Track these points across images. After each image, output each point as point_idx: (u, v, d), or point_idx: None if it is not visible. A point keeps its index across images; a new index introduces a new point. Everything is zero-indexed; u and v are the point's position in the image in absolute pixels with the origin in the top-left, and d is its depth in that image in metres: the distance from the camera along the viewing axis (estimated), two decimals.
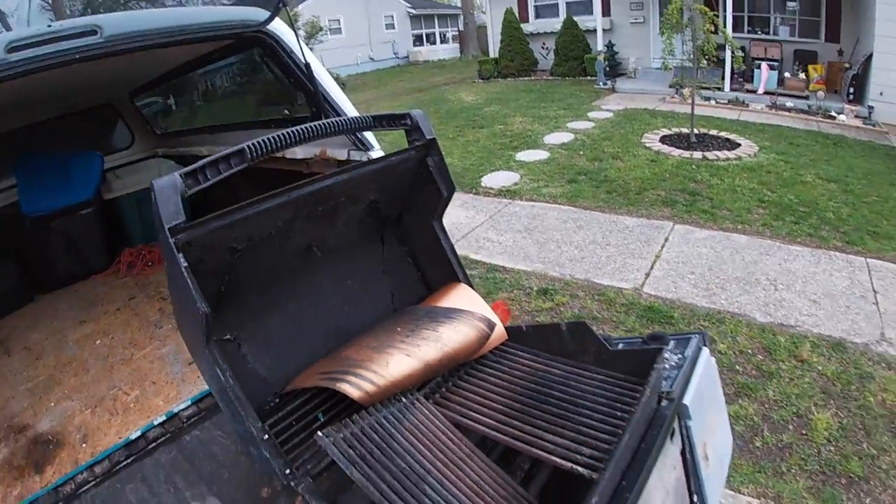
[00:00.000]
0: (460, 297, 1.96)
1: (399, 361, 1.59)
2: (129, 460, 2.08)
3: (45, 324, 3.48)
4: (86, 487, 2.01)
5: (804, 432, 3.19)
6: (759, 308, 4.31)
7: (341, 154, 2.62)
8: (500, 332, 1.86)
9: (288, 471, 1.50)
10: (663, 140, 8.75)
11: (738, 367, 3.70)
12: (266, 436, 1.47)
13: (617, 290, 4.60)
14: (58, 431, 2.38)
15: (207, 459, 2.03)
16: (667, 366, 1.79)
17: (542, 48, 16.41)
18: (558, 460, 1.44)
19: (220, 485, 1.91)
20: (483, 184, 7.25)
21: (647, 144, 8.51)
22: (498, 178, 7.42)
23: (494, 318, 1.85)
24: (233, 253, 1.52)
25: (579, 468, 1.40)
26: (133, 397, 2.62)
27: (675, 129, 9.21)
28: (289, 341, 1.84)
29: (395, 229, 2.17)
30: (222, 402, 1.50)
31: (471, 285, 2.03)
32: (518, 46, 16.03)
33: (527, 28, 16.30)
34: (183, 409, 2.28)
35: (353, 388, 1.53)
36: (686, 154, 8.00)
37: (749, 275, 4.77)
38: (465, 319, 1.76)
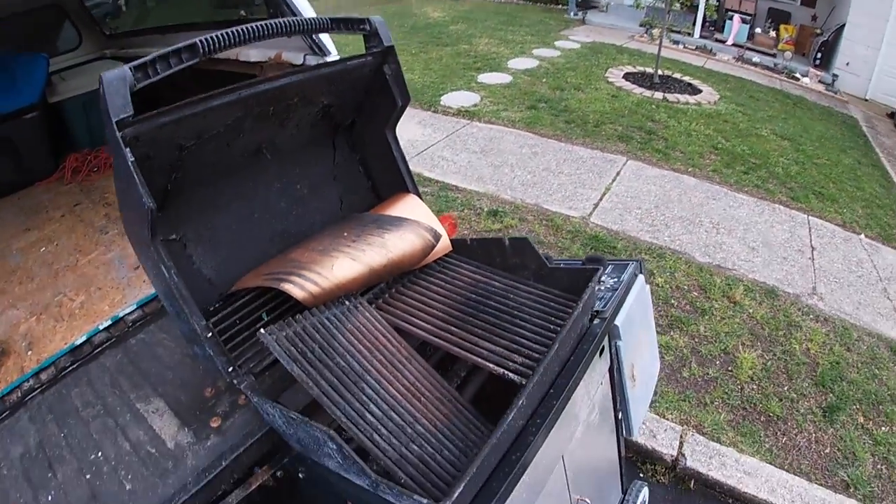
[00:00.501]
0: (408, 207, 1.99)
1: (344, 265, 1.63)
2: (74, 366, 2.06)
3: None
4: (32, 395, 2.01)
5: (730, 369, 3.44)
6: (699, 248, 4.53)
7: (297, 58, 2.52)
8: (444, 243, 1.92)
9: (231, 368, 1.54)
10: (627, 77, 8.73)
11: (673, 301, 3.92)
12: (209, 334, 1.50)
13: (565, 217, 4.72)
14: (3, 340, 2.33)
15: (152, 362, 2.03)
16: (602, 287, 1.90)
17: None
18: (491, 366, 1.53)
19: (164, 386, 1.91)
20: (442, 103, 7.11)
21: (611, 80, 8.48)
22: (458, 98, 7.29)
23: (441, 230, 1.90)
24: (181, 150, 1.48)
25: (510, 374, 1.50)
26: (78, 303, 2.58)
27: (640, 68, 9.18)
28: (235, 243, 1.83)
29: (347, 136, 2.14)
30: (167, 300, 1.50)
31: (420, 197, 2.06)
32: None
33: None
34: (128, 314, 2.25)
35: (297, 288, 1.56)
36: (647, 93, 8.03)
37: (694, 216, 4.97)
38: (411, 228, 1.80)
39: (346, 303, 1.65)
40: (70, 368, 2.08)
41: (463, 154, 5.73)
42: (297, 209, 2.01)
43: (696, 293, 4.03)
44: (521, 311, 1.71)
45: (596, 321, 1.74)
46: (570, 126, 6.54)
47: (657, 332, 2.75)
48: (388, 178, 2.13)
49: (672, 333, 3.66)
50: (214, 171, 1.72)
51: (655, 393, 3.07)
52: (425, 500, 1.07)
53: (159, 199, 1.60)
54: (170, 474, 1.63)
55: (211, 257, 1.79)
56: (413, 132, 6.17)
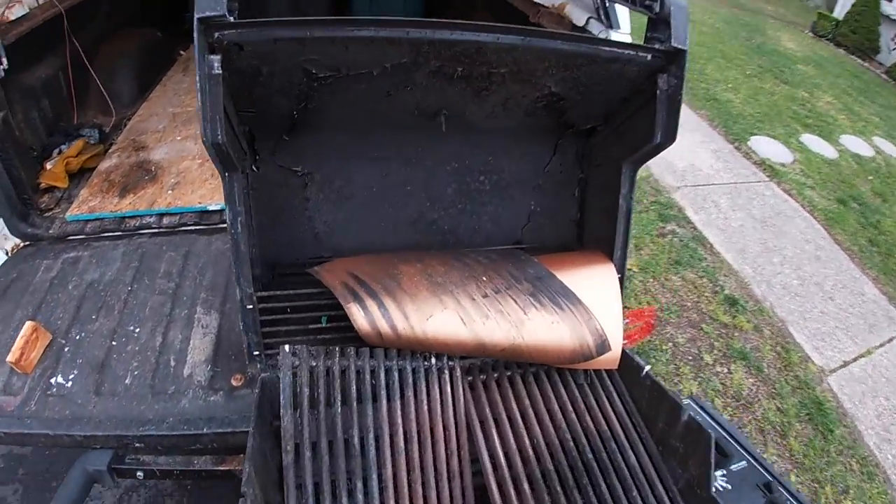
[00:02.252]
0: (595, 279, 1.37)
1: (445, 322, 1.15)
2: (192, 227, 1.98)
3: None
4: (142, 231, 1.98)
5: None
6: None
7: (579, 17, 1.93)
8: (610, 356, 1.28)
9: (258, 353, 1.23)
10: None
11: None
12: (251, 306, 1.19)
13: (803, 356, 3.54)
14: (159, 166, 2.31)
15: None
16: None
17: (893, 41, 12.62)
18: None
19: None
20: (750, 144, 5.84)
21: None
22: (768, 148, 5.94)
23: (614, 337, 1.26)
24: (310, 77, 1.10)
25: None
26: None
27: None
28: (366, 208, 1.47)
29: (578, 144, 1.56)
30: (231, 246, 1.17)
31: (622, 272, 1.40)
32: (867, 22, 12.39)
33: (887, 9, 12.40)
34: None
35: (365, 319, 1.13)
36: None
37: None
38: (572, 319, 1.23)
39: (428, 361, 1.14)
40: (187, 228, 1.99)
41: (739, 213, 4.63)
42: (465, 204, 1.56)
43: None
44: None
45: None
46: (871, 249, 4.90)
47: None
48: (600, 222, 1.52)
49: None
50: (368, 119, 1.34)
51: None
52: None
53: (285, 125, 1.30)
54: (159, 399, 1.43)
55: (329, 211, 1.46)
56: (702, 159, 5.16)
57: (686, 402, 1.34)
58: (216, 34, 0.90)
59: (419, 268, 1.26)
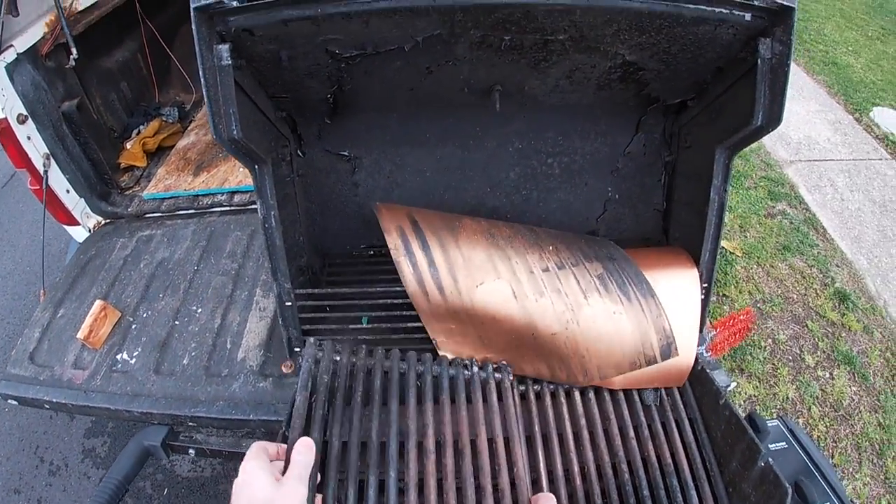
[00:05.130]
0: (675, 281, 1.18)
1: (495, 293, 1.05)
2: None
3: None
4: (212, 209, 2.02)
5: None
6: None
7: None
8: (676, 371, 1.11)
9: (298, 348, 1.19)
10: None
11: None
12: (289, 302, 1.14)
13: None
14: None
15: None
16: None
17: None
18: None
19: None
20: (872, 115, 5.12)
21: None
22: (892, 120, 5.20)
23: (685, 349, 1.09)
24: (335, 58, 1.00)
25: None
26: None
27: None
28: (418, 194, 1.38)
29: (665, 122, 1.36)
30: (266, 239, 1.12)
31: (711, 274, 1.20)
32: None
33: None
34: None
35: (413, 275, 1.06)
36: None
37: None
38: (638, 312, 1.09)
39: (469, 370, 1.04)
40: (255, 207, 1.99)
41: (857, 195, 4.06)
42: (530, 190, 1.42)
43: None
44: None
45: None
46: None
47: None
48: (687, 215, 1.32)
49: None
50: (412, 99, 1.22)
51: None
52: None
53: (324, 109, 1.22)
54: (213, 381, 1.45)
55: (380, 197, 1.37)
56: (818, 130, 4.56)
57: (773, 422, 1.17)
58: (220, 22, 0.83)
59: (484, 226, 1.15)
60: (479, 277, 1.06)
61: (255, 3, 0.80)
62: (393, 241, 1.08)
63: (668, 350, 1.09)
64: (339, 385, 0.95)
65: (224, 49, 0.83)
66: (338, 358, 0.98)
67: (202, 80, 0.82)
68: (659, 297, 1.12)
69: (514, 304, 1.06)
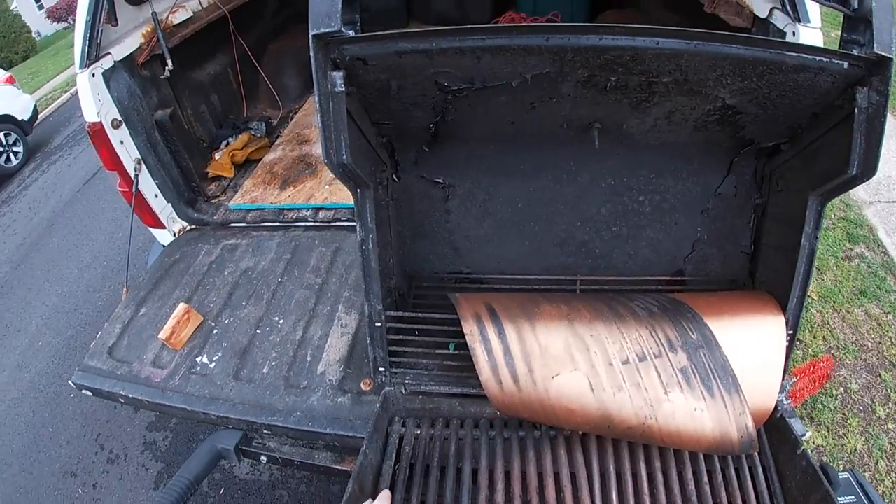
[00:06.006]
0: (761, 325, 1.15)
1: (571, 385, 1.04)
2: (345, 222, 2.04)
3: None
4: (297, 223, 2.07)
5: None
6: None
7: (761, 7, 1.62)
8: (756, 414, 1.07)
9: (383, 368, 1.21)
10: None
11: None
12: (379, 323, 1.17)
13: None
14: (322, 162, 2.38)
15: None
16: None
17: None
18: None
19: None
20: None
21: None
22: None
23: (768, 395, 1.05)
24: (443, 90, 1.03)
25: None
26: None
27: None
28: (508, 225, 1.39)
29: (757, 164, 1.34)
30: (363, 260, 1.15)
31: (795, 322, 1.16)
32: None
33: None
34: None
35: (487, 363, 1.06)
36: None
37: None
38: (720, 410, 1.05)
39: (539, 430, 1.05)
40: (340, 224, 2.05)
41: None
42: (620, 226, 1.41)
43: None
44: None
45: None
46: None
47: None
48: (776, 259, 1.29)
49: None
50: (512, 132, 1.24)
51: None
52: None
53: (424, 136, 1.24)
54: (291, 392, 1.48)
55: (471, 225, 1.39)
56: None
57: (844, 475, 1.13)
58: (335, 50, 0.87)
59: (563, 311, 1.14)
60: (555, 368, 1.05)
61: (371, 34, 0.83)
62: (469, 328, 1.08)
63: (748, 446, 1.04)
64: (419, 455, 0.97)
65: (338, 76, 0.86)
66: (418, 432, 1.00)
67: (317, 105, 0.86)
68: (742, 348, 1.09)
69: (590, 396, 1.04)
